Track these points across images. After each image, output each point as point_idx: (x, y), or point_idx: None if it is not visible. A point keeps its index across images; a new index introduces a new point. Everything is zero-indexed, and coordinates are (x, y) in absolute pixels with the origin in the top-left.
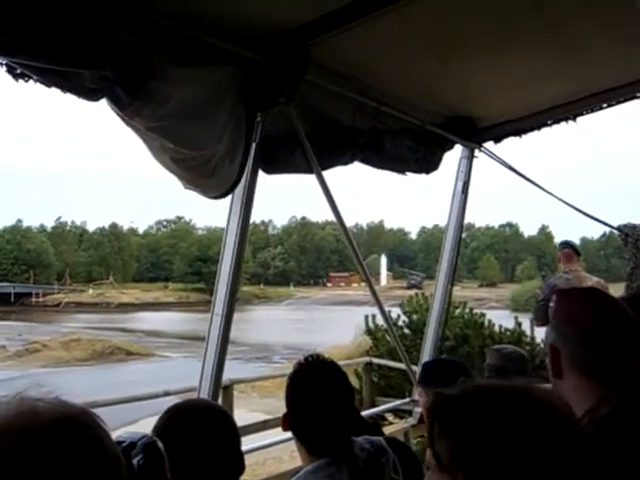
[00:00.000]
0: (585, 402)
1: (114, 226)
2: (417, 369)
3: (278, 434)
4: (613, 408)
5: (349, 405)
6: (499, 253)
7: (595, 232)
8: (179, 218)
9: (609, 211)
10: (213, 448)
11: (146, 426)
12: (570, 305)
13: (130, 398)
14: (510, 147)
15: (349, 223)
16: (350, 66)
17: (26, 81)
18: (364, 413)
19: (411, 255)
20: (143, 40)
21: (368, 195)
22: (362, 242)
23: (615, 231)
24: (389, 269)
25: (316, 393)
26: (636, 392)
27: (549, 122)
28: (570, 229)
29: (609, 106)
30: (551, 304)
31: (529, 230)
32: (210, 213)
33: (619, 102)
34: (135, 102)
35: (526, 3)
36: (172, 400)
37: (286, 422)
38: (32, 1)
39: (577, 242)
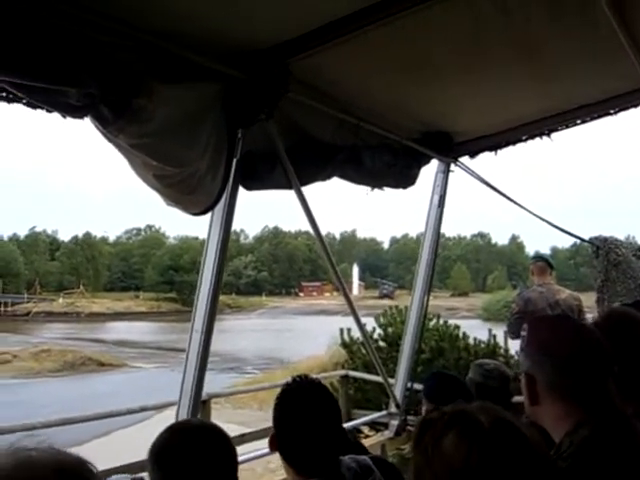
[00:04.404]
0: (563, 426)
1: (88, 235)
2: (394, 382)
3: (255, 448)
4: (592, 430)
5: (336, 425)
6: (470, 263)
7: (565, 242)
8: (149, 227)
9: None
10: (210, 470)
11: (118, 438)
12: (542, 332)
13: (106, 414)
14: (486, 159)
15: (322, 233)
16: (330, 83)
17: (9, 102)
18: None
19: (383, 265)
20: (128, 58)
21: (341, 205)
22: (335, 252)
23: (585, 243)
24: (361, 278)
25: (304, 414)
26: (611, 413)
27: (524, 137)
28: (540, 239)
29: (583, 122)
30: (523, 333)
31: (501, 240)
32: (181, 222)
33: (593, 118)
34: (119, 120)
35: (498, 24)
36: (148, 413)
37: (274, 443)
38: (18, 19)
39: (547, 251)
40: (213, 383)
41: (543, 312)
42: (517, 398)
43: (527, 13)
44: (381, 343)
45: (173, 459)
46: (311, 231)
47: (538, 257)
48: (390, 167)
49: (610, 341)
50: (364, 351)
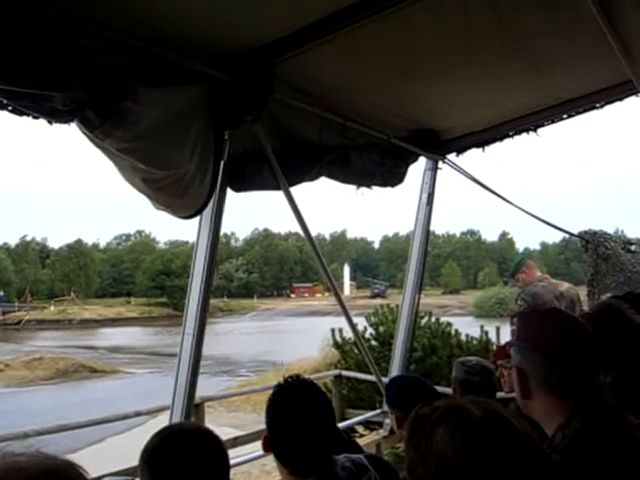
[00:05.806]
0: (555, 419)
1: (79, 242)
2: (387, 380)
3: (249, 450)
4: (585, 422)
5: (330, 424)
6: (461, 260)
7: (555, 237)
8: (139, 232)
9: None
10: (202, 474)
11: (113, 444)
12: (533, 326)
13: (101, 420)
14: (473, 156)
15: (312, 234)
16: (316, 83)
17: None
18: None
19: (374, 264)
20: (114, 61)
21: (331, 205)
22: (325, 252)
23: (574, 237)
24: (352, 278)
25: (296, 414)
26: (603, 406)
27: (511, 133)
28: (530, 234)
29: (569, 117)
30: (512, 327)
31: (490, 236)
32: (171, 227)
33: (579, 113)
34: (106, 124)
35: (487, 20)
36: (141, 419)
37: (267, 444)
38: (1, 25)
39: (537, 247)
40: (206, 387)
41: (552, 304)
42: (500, 394)
43: (516, 10)
44: (373, 342)
45: (164, 462)
46: (301, 232)
47: (523, 257)
48: (378, 166)
49: (599, 334)
50: (356, 351)
